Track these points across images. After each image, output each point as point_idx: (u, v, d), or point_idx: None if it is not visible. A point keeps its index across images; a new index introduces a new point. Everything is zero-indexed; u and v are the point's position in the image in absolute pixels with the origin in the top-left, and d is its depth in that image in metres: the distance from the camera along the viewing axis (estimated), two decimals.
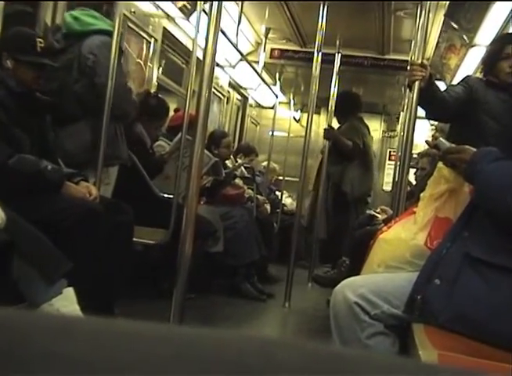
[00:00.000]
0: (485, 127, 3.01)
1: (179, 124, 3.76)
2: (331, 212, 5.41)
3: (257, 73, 7.01)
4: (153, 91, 4.74)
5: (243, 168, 5.71)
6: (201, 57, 2.32)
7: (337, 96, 5.72)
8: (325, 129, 5.34)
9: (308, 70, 4.72)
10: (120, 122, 3.33)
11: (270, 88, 7.43)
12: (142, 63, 5.07)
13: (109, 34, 3.17)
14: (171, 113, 4.63)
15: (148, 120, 4.03)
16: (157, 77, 5.51)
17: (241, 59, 6.47)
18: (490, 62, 3.19)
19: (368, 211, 4.37)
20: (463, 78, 3.33)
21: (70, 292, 2.08)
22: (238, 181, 5.33)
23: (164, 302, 2.41)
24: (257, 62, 7.28)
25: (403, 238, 1.86)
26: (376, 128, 9.88)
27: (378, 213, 4.22)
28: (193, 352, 0.27)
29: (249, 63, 6.64)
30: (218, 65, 6.45)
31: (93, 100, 3.16)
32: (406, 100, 4.71)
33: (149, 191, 3.73)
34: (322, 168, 5.61)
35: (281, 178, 7.29)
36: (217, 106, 7.57)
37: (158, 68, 5.52)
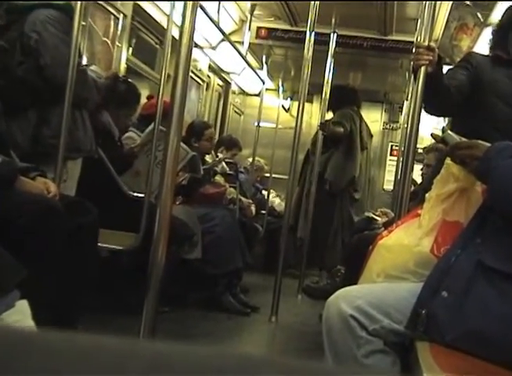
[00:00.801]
0: (495, 110, 2.94)
1: (152, 113, 3.68)
2: (314, 207, 5.44)
3: (242, 55, 6.86)
4: (121, 75, 4.64)
5: (224, 163, 5.62)
6: (177, 36, 2.26)
7: (331, 89, 5.69)
8: (321, 123, 5.36)
9: (300, 53, 4.69)
10: (82, 109, 3.24)
11: (256, 73, 7.30)
12: (109, 42, 4.99)
13: (59, 7, 3.09)
14: (143, 100, 4.56)
15: (116, 108, 3.96)
16: (127, 59, 5.42)
17: (223, 40, 6.38)
18: (500, 34, 3.07)
19: (366, 214, 4.35)
20: (464, 57, 3.20)
21: (23, 305, 2.01)
22: (219, 178, 5.23)
23: (132, 316, 2.35)
24: (242, 42, 7.15)
25: (406, 244, 1.83)
26: (376, 118, 9.78)
27: (377, 216, 4.19)
28: (165, 369, 0.26)
29: (232, 43, 6.48)
30: (196, 46, 6.40)
31: (40, 85, 3.07)
32: (411, 88, 4.72)
33: (117, 189, 3.66)
34: (308, 159, 5.76)
35: (268, 175, 7.18)
36: (195, 92, 7.43)
37: (128, 48, 5.42)
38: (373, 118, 9.44)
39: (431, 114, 3.01)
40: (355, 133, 5.58)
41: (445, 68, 3.03)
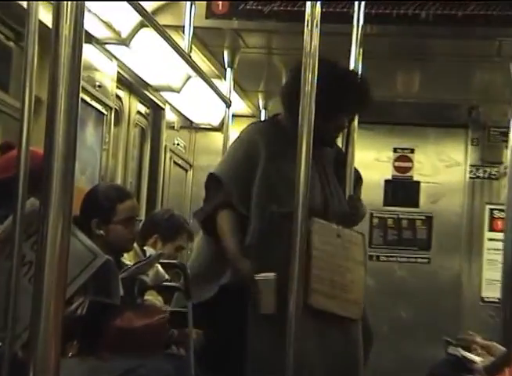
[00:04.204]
0: None
1: (10, 178, 2.88)
2: None
3: (181, 54, 5.00)
4: None
5: (160, 267, 3.92)
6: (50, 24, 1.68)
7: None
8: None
9: (296, 41, 3.14)
10: None
11: (212, 87, 5.62)
12: None
13: None
14: None
15: None
16: None
17: (142, 25, 4.74)
18: None
19: (451, 349, 3.71)
20: None
21: None
22: (152, 297, 3.86)
23: None
24: (181, 27, 5.15)
25: None
26: (454, 159, 7.63)
27: (473, 351, 3.64)
28: None
29: (160, 30, 4.68)
30: (88, 41, 4.54)
31: None
32: None
33: None
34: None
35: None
36: (94, 130, 5.19)
37: None
38: (449, 158, 7.63)
39: None
40: None
41: None
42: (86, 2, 1.73)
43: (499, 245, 6.22)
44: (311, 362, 3.28)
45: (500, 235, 6.28)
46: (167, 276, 3.94)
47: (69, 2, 1.66)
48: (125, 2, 4.35)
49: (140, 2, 4.45)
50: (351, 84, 3.58)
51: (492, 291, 7.03)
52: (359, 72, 3.89)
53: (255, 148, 3.51)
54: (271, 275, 3.08)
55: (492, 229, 7.37)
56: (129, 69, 5.57)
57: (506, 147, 5.99)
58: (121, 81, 5.58)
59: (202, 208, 3.58)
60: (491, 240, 7.30)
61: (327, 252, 3.36)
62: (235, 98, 6.12)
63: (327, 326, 3.37)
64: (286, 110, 3.48)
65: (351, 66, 3.97)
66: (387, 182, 7.76)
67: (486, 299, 7.22)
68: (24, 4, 3.84)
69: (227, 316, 3.52)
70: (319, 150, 3.39)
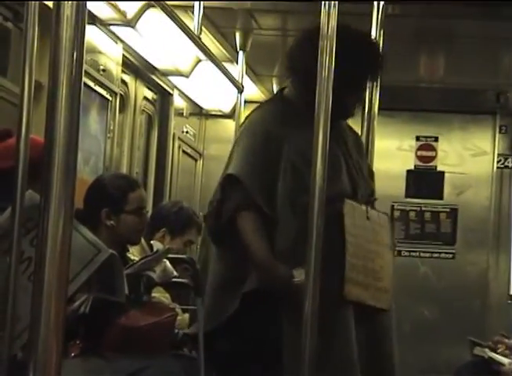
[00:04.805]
0: None
1: (9, 168, 2.90)
2: None
3: (190, 35, 5.14)
4: None
5: (168, 263, 4.01)
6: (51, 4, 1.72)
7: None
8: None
9: (309, 21, 3.22)
10: None
11: (223, 71, 5.76)
12: None
13: None
14: None
15: None
16: None
17: (150, 5, 4.82)
18: None
19: (477, 350, 3.72)
20: None
21: None
22: (159, 295, 4.05)
23: None
24: (190, 7, 5.28)
25: None
26: (481, 147, 7.63)
27: (501, 352, 3.69)
28: None
29: (168, 10, 4.81)
30: (91, 22, 4.69)
31: None
32: None
33: None
34: None
35: None
36: (97, 117, 5.28)
37: None
38: (475, 147, 7.66)
39: None
40: None
41: None
42: None
43: None
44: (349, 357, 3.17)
45: None
46: (175, 273, 4.00)
47: None
48: None
49: None
50: (369, 48, 3.36)
51: None
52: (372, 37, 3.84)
53: (273, 139, 3.25)
54: (301, 272, 2.93)
55: None
56: (135, 52, 5.57)
57: None
58: (127, 65, 5.65)
59: (216, 211, 3.36)
60: None
61: (359, 237, 3.24)
62: (247, 83, 6.17)
63: (362, 318, 3.24)
64: (295, 82, 3.28)
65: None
66: (409, 172, 7.75)
67: None
68: None
69: (257, 324, 3.44)
70: (338, 129, 3.21)
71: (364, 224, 3.26)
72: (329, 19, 2.95)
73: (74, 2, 1.68)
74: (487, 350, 3.85)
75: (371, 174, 3.60)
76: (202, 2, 5.23)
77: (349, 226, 3.16)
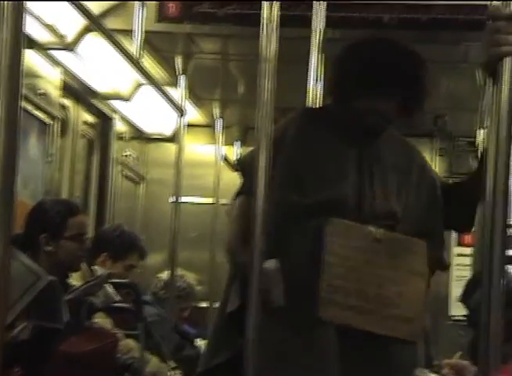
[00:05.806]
0: None
1: None
2: None
3: (131, 59, 4.95)
4: None
5: (108, 287, 4.05)
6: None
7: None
8: None
9: (253, 45, 3.30)
10: None
11: (164, 95, 5.64)
12: None
13: None
14: None
15: None
16: None
17: (90, 29, 4.75)
18: None
19: (418, 371, 3.68)
20: None
21: None
22: (101, 320, 3.95)
23: None
24: (130, 31, 4.98)
25: None
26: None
27: (447, 375, 3.65)
28: None
29: (108, 34, 4.67)
30: (30, 46, 4.53)
31: None
32: (490, 102, 3.67)
33: None
34: None
35: (205, 304, 5.88)
36: (37, 142, 5.21)
37: None
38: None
39: None
40: None
41: None
42: (27, 3, 1.68)
43: (468, 261, 6.22)
44: None
45: (469, 250, 6.27)
46: (117, 298, 4.02)
47: (6, 3, 1.59)
48: (69, 4, 4.31)
49: (86, 3, 4.40)
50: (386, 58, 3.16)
51: (460, 309, 7.03)
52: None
53: (282, 132, 3.16)
54: (273, 262, 2.84)
55: (460, 244, 7.00)
56: (75, 76, 5.48)
57: (475, 158, 5.88)
58: (67, 89, 5.49)
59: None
60: (459, 255, 6.95)
61: (352, 259, 3.07)
62: (189, 106, 6.01)
63: (352, 344, 3.00)
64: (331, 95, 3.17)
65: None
66: None
67: (453, 317, 6.90)
68: None
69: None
70: (368, 142, 3.07)
71: (367, 246, 3.07)
72: (269, 42, 2.95)
73: (11, 26, 1.64)
74: (427, 371, 3.82)
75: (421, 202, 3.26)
76: (140, 26, 5.15)
77: (332, 245, 3.01)
